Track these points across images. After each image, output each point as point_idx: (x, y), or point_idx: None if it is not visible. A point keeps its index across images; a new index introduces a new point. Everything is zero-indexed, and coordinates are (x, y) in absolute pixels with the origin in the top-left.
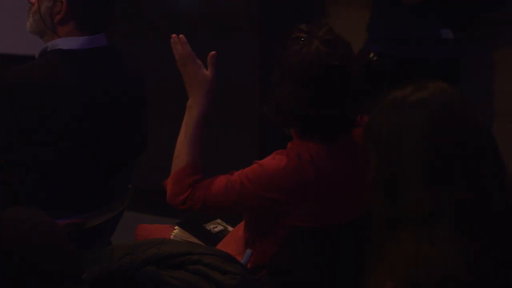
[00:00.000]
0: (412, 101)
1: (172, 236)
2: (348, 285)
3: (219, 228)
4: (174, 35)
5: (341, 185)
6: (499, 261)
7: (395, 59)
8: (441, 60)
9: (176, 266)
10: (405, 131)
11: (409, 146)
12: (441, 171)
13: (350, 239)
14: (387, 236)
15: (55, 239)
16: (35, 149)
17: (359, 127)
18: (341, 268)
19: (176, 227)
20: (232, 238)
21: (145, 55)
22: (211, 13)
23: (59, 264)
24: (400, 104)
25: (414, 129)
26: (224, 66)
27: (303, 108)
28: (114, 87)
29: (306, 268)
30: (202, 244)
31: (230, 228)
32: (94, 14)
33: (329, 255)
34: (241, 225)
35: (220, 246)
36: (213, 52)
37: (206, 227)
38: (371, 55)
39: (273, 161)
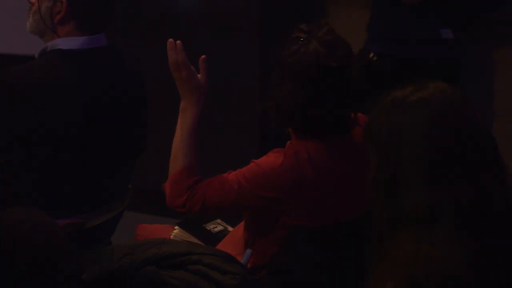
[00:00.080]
0: (412, 101)
1: (172, 236)
2: (348, 285)
3: (219, 228)
4: (171, 40)
5: (340, 185)
6: (499, 261)
7: (395, 59)
8: (441, 60)
9: (176, 266)
10: (405, 131)
11: (409, 146)
12: (441, 171)
13: (350, 239)
14: (387, 236)
15: (55, 239)
16: (35, 149)
17: (359, 127)
18: (341, 268)
19: (176, 227)
20: (232, 238)
21: (145, 55)
22: (211, 13)
23: (59, 264)
24: (400, 104)
25: (414, 129)
26: (224, 66)
27: (303, 108)
28: (114, 87)
29: (306, 268)
30: (202, 244)
31: (230, 228)
32: (94, 14)
33: (329, 255)
34: (241, 225)
35: (220, 246)
36: (203, 56)
37: (206, 227)
38: (371, 55)
39: (270, 159)
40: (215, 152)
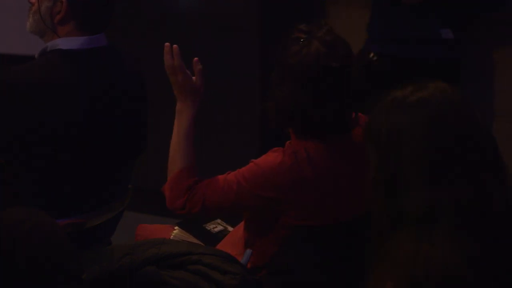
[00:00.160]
0: (412, 101)
1: (172, 236)
2: (348, 285)
3: (219, 228)
4: (167, 43)
5: (340, 185)
6: (499, 261)
7: (395, 59)
8: (441, 60)
9: (176, 266)
10: (405, 131)
11: (409, 146)
12: (441, 171)
13: (350, 238)
14: (387, 236)
15: (55, 239)
16: (35, 149)
17: (359, 127)
18: (341, 268)
19: (176, 227)
20: (232, 238)
21: (145, 55)
22: (211, 13)
23: (59, 264)
24: (400, 104)
25: (414, 129)
26: (224, 66)
27: (303, 108)
28: (114, 87)
29: (306, 268)
30: (202, 244)
31: (230, 228)
32: (94, 14)
33: (329, 255)
34: (241, 225)
35: (220, 246)
36: (195, 58)
37: (206, 227)
38: (371, 55)
39: (269, 159)
40: (215, 152)
